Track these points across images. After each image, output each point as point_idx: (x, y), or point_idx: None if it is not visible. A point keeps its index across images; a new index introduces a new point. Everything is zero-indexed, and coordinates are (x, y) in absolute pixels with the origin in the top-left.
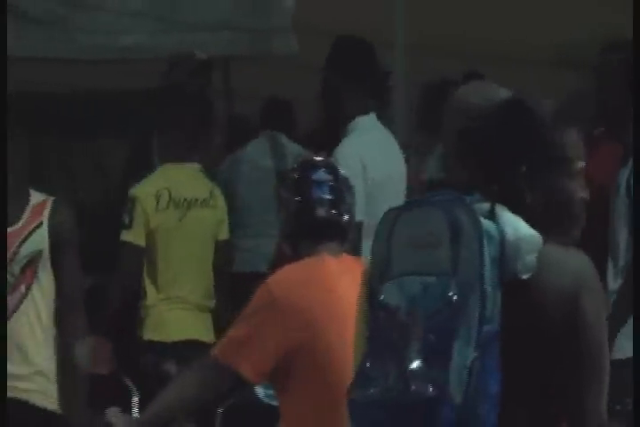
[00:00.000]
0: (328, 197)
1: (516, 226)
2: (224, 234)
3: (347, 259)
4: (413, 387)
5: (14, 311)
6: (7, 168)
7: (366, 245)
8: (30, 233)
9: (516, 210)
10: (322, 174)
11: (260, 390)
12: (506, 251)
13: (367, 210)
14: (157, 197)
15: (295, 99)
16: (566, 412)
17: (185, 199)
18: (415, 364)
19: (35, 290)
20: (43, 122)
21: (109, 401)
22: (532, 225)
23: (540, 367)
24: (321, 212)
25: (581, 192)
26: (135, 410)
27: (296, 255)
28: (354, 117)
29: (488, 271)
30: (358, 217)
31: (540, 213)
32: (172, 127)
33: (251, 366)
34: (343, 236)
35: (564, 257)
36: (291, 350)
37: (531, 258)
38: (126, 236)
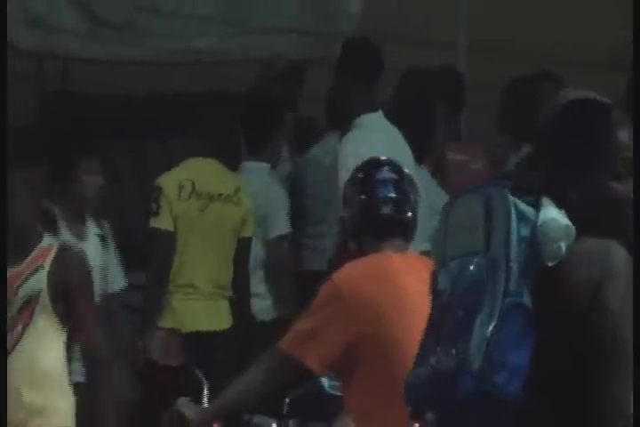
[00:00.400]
0: (392, 195)
1: (551, 215)
2: (248, 232)
3: (411, 256)
4: (432, 361)
5: (11, 351)
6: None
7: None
8: (29, 275)
9: (563, 204)
10: (386, 173)
11: (325, 381)
12: (536, 234)
13: None
14: (180, 188)
15: None
16: (586, 400)
17: (208, 193)
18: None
19: (31, 331)
20: (117, 123)
21: (179, 392)
22: (576, 220)
23: (566, 353)
24: (386, 210)
25: (629, 193)
26: (205, 400)
27: (361, 252)
28: (359, 115)
29: (515, 249)
30: None
31: (587, 210)
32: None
33: (317, 358)
34: (407, 233)
35: (596, 247)
36: (356, 344)
37: (558, 245)
38: (155, 222)
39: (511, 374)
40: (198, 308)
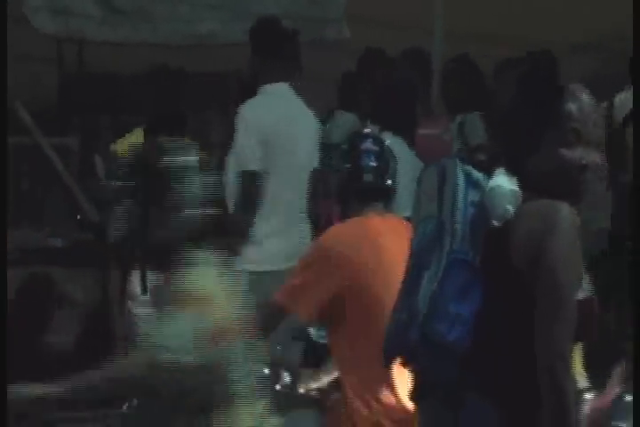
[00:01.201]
0: (374, 164)
1: (498, 182)
2: None
3: (390, 218)
4: (397, 315)
5: None
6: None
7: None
8: None
9: (517, 171)
10: (369, 145)
11: (312, 331)
12: (484, 198)
13: (268, 162)
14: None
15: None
16: (530, 343)
17: None
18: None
19: None
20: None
21: None
22: (531, 185)
23: (513, 302)
24: (368, 177)
25: (580, 159)
26: None
27: (345, 215)
28: (264, 84)
29: (461, 212)
30: (251, 167)
31: (540, 176)
32: None
33: (305, 309)
34: (387, 198)
35: (543, 206)
36: (340, 297)
37: (504, 208)
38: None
39: (453, 323)
40: None
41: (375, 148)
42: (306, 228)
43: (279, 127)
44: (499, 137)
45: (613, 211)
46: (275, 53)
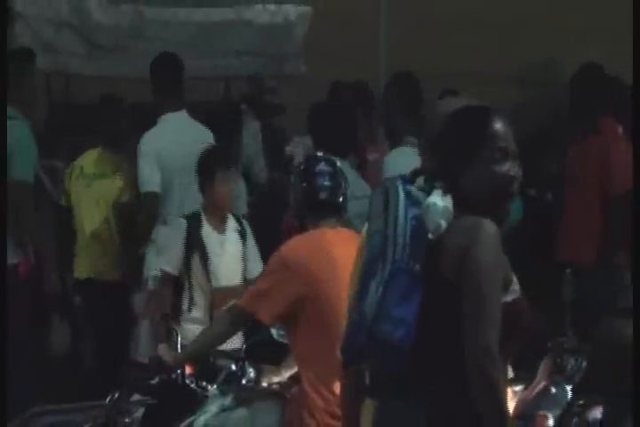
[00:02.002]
0: (328, 183)
1: (433, 199)
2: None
3: (342, 231)
4: (349, 319)
5: None
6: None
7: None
8: None
9: (452, 190)
10: (323, 166)
11: (274, 331)
12: (422, 214)
13: (164, 182)
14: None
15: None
16: (462, 343)
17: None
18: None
19: None
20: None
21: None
22: (464, 202)
23: (447, 305)
24: (322, 195)
25: (508, 171)
26: (178, 346)
27: (303, 228)
28: (164, 113)
29: (402, 227)
30: (151, 188)
31: (471, 193)
32: None
33: (267, 313)
34: (339, 213)
35: (470, 222)
36: (298, 302)
37: (437, 222)
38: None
39: (396, 324)
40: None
41: (328, 169)
42: None
43: (172, 151)
44: (434, 160)
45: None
46: (168, 87)
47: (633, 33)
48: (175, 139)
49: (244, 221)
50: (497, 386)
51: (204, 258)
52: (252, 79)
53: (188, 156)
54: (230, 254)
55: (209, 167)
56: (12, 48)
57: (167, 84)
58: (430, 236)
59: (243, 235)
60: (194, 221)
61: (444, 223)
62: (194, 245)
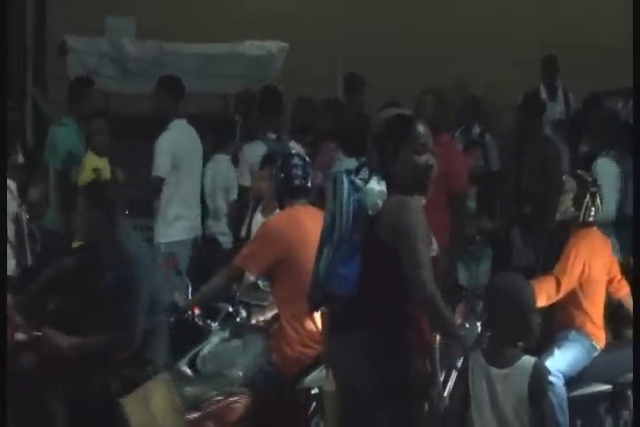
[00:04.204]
0: (299, 173)
1: (371, 185)
2: None
3: (310, 208)
4: (312, 276)
5: None
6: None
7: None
8: None
9: (385, 177)
10: (297, 160)
11: (261, 282)
12: (363, 197)
13: (175, 171)
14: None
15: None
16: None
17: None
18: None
19: None
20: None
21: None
22: (394, 185)
23: (385, 260)
24: (296, 182)
25: (427, 161)
26: (189, 294)
27: (281, 207)
28: (172, 120)
29: (346, 207)
30: (161, 174)
31: (400, 177)
32: None
33: (255, 268)
34: (308, 195)
35: (398, 199)
36: (278, 262)
37: (375, 202)
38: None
39: (342, 280)
40: None
41: (300, 162)
42: (199, 212)
43: (182, 148)
44: (372, 155)
45: None
46: (175, 97)
47: (633, 33)
48: (181, 141)
49: None
50: (441, 304)
51: None
52: (242, 93)
53: (189, 154)
54: None
55: None
56: (75, 75)
57: (169, 97)
58: (370, 212)
59: None
60: None
61: (380, 202)
62: None
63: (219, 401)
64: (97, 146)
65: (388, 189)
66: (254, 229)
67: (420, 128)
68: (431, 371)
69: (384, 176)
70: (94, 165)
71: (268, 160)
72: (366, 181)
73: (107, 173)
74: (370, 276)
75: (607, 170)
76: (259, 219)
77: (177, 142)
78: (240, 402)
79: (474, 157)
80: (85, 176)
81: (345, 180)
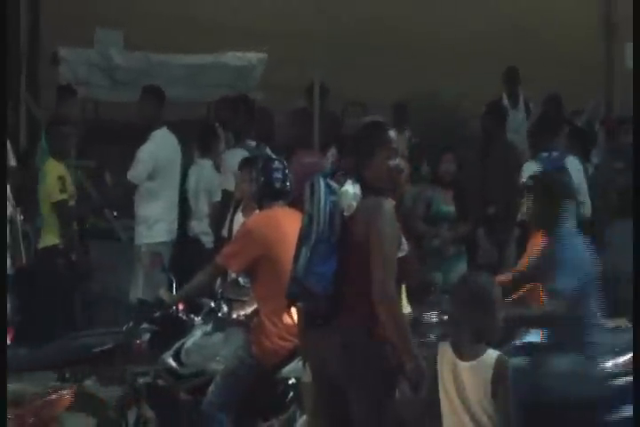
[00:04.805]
0: (279, 177)
1: (345, 188)
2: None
3: (288, 209)
4: (290, 274)
5: None
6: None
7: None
8: None
9: (359, 180)
10: (277, 164)
11: (241, 279)
12: (338, 199)
13: (156, 178)
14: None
15: None
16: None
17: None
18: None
19: None
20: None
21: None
22: (368, 188)
23: (357, 259)
24: (276, 185)
25: (398, 165)
26: (174, 290)
27: (261, 208)
28: (153, 130)
29: (323, 209)
30: (135, 181)
31: (373, 180)
32: None
33: (236, 265)
34: (286, 197)
35: (372, 201)
36: (258, 259)
37: (349, 203)
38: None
39: (319, 278)
40: None
41: (279, 166)
42: (176, 216)
43: (162, 157)
44: (347, 159)
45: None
46: (154, 109)
47: (633, 33)
48: (162, 149)
49: None
50: (395, 307)
51: None
52: (221, 101)
53: (169, 161)
54: None
55: None
56: (60, 84)
57: (149, 108)
58: (345, 213)
59: None
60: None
61: (354, 204)
62: None
63: (40, 397)
64: (57, 152)
65: (362, 191)
66: (235, 229)
67: (392, 134)
68: (402, 347)
69: (358, 179)
70: (57, 172)
71: (246, 163)
72: (341, 184)
73: (68, 180)
74: (345, 274)
75: (575, 166)
76: (239, 219)
77: (157, 152)
78: (63, 398)
79: (447, 162)
80: (49, 185)
81: (322, 183)
